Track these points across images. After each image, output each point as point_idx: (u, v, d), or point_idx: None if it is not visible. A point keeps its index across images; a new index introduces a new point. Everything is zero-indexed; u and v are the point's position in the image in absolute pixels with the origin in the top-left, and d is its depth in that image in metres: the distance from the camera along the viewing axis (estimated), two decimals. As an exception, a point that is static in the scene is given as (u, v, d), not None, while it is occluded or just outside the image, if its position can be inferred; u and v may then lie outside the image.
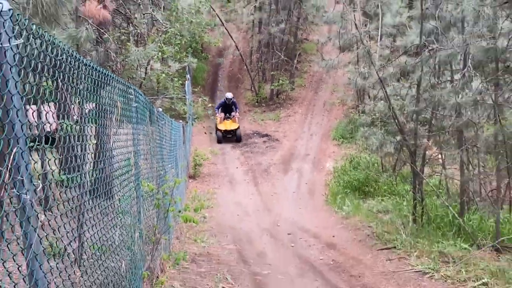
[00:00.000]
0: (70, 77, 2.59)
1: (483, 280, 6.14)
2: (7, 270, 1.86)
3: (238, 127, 18.92)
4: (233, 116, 19.01)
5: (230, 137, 18.80)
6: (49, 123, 2.43)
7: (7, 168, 1.78)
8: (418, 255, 7.64)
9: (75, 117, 3.03)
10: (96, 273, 3.19)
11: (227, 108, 19.06)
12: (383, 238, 8.85)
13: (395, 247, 8.25)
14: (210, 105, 18.84)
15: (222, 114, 18.87)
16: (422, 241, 8.11)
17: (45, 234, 2.22)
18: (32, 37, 1.98)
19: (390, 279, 6.93)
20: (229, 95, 19.68)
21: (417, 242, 8.09)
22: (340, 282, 6.94)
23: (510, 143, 8.33)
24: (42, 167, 2.86)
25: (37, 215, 2.02)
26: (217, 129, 19.01)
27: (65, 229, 2.54)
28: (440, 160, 11.05)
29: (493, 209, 8.30)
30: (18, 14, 1.87)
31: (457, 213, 8.48)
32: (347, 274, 7.31)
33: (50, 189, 2.34)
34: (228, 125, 18.79)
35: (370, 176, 13.34)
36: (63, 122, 2.66)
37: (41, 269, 2.07)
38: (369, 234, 9.30)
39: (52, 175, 2.56)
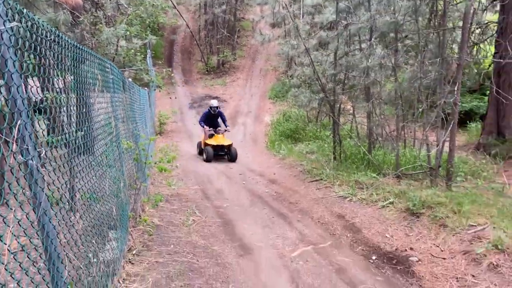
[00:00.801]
0: (58, 55, 2.32)
1: (390, 200, 6.36)
2: (22, 227, 1.69)
3: (232, 144, 11.64)
4: (224, 131, 11.97)
5: (223, 154, 11.53)
6: (43, 94, 2.19)
7: (14, 139, 1.58)
8: (339, 184, 7.82)
9: (60, 89, 2.76)
10: (93, 218, 3.03)
11: (213, 120, 12.02)
12: (312, 172, 8.99)
13: (322, 179, 8.41)
14: (172, 74, 17.92)
15: (210, 129, 11.83)
16: (342, 173, 8.28)
17: (51, 192, 2.04)
18: (24, 20, 1.72)
19: (320, 203, 7.10)
20: (214, 102, 12.30)
21: (338, 174, 8.26)
22: (282, 208, 7.04)
23: (405, 96, 8.61)
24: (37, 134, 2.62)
25: (43, 177, 1.84)
26: (205, 144, 11.58)
27: (66, 185, 2.36)
28: (352, 111, 11.33)
29: (393, 146, 8.64)
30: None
31: (366, 150, 8.74)
32: (287, 202, 7.42)
33: (52, 154, 2.12)
34: (221, 139, 11.50)
35: (299, 126, 13.50)
36: (53, 95, 2.41)
37: (50, 222, 1.91)
38: (301, 170, 9.44)
39: (54, 141, 2.33)
